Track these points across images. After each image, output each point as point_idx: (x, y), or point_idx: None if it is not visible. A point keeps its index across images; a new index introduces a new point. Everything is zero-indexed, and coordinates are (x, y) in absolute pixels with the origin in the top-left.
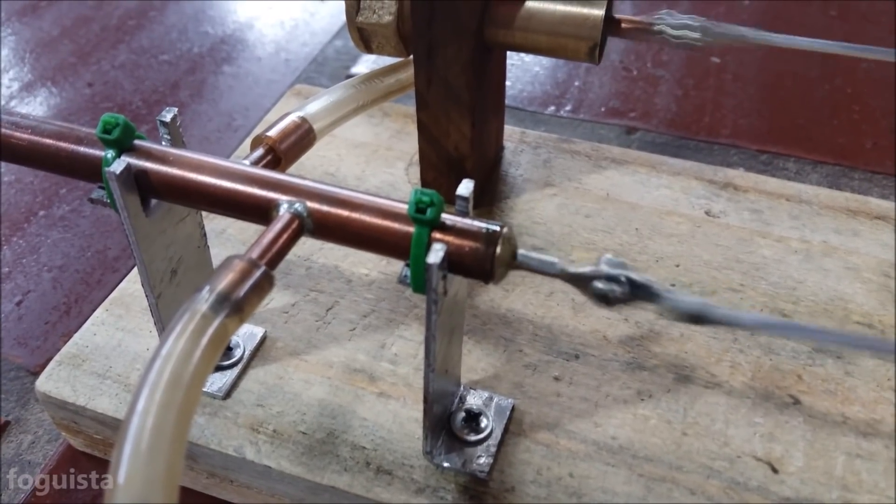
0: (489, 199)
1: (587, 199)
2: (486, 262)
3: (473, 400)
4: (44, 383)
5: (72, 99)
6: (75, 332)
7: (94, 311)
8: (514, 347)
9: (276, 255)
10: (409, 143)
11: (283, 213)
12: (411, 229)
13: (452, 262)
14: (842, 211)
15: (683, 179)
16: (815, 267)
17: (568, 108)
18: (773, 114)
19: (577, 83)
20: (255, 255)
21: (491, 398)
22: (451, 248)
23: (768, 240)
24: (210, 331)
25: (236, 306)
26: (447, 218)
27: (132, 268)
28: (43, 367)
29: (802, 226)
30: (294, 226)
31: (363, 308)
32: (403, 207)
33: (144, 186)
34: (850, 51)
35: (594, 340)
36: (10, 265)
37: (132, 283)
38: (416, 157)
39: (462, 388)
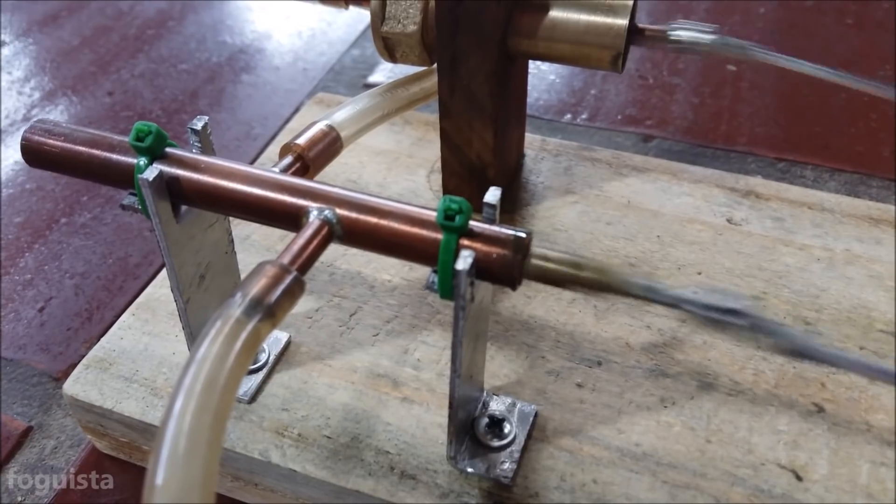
0: (510, 206)
1: (608, 206)
2: (513, 268)
3: (497, 406)
4: (71, 386)
5: (92, 108)
6: (97, 338)
7: (116, 317)
8: (536, 354)
9: (306, 260)
10: (430, 151)
11: (314, 219)
12: (440, 236)
13: (480, 269)
14: (864, 219)
15: (705, 187)
16: (837, 275)
17: (584, 116)
18: (789, 122)
19: (593, 91)
20: (286, 260)
21: (514, 404)
22: (479, 254)
23: (791, 248)
24: (243, 335)
25: (269, 311)
26: (475, 225)
27: (154, 274)
28: (66, 373)
29: (825, 234)
30: (324, 232)
31: (386, 314)
32: (432, 214)
33: (176, 193)
34: (849, 81)
35: (617, 347)
36: (32, 272)
37: (158, 288)
38: (438, 165)
39: (485, 393)
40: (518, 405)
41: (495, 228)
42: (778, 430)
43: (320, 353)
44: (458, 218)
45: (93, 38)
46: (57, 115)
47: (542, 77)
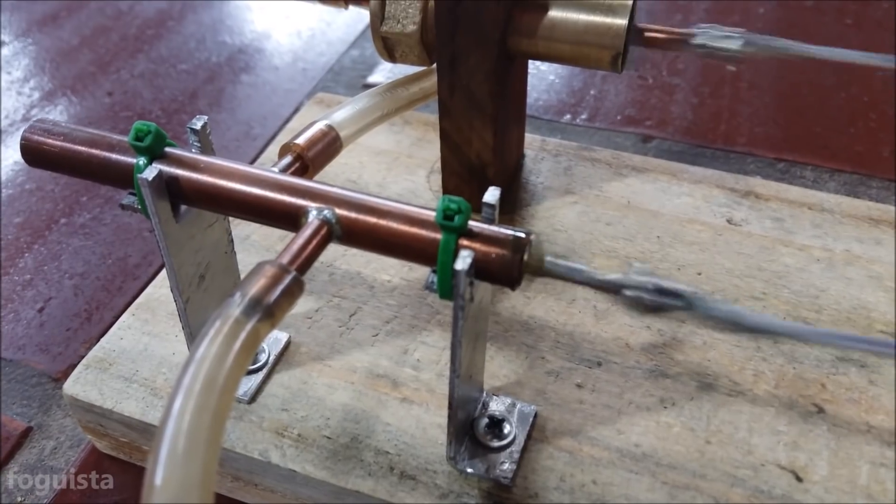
0: (510, 206)
1: (608, 206)
2: (512, 268)
3: (496, 406)
4: (71, 386)
5: (91, 108)
6: (97, 339)
7: (115, 318)
8: (536, 354)
9: (305, 260)
10: (430, 151)
11: (313, 219)
12: (439, 236)
13: (479, 269)
14: (864, 219)
15: (704, 187)
16: (837, 275)
17: (584, 116)
18: (789, 122)
19: (592, 92)
20: (285, 260)
21: (514, 404)
22: (479, 254)
23: (790, 248)
24: (242, 335)
25: (268, 311)
26: (474, 225)
27: (154, 274)
28: (65, 373)
29: (825, 234)
30: (323, 232)
31: (386, 314)
32: (431, 214)
33: (175, 193)
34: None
35: (616, 348)
36: (31, 272)
37: (158, 289)
38: (437, 165)
39: (485, 394)
40: (518, 405)
41: (494, 228)
42: (778, 431)
43: (320, 354)
44: (457, 218)
45: (92, 38)
46: (56, 115)
47: (542, 77)
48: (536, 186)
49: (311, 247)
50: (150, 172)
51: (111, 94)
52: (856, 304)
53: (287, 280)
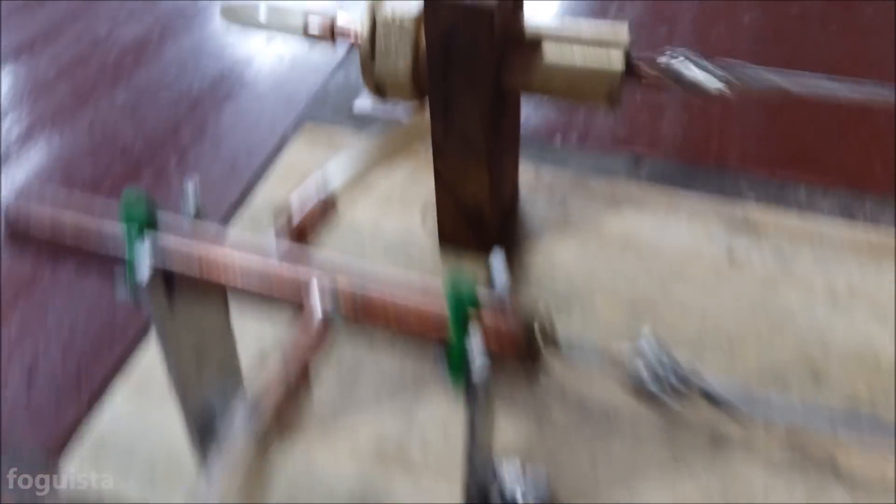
0: (507, 243)
1: (606, 242)
2: (526, 352)
3: (508, 472)
4: (66, 471)
5: (72, 143)
6: (86, 408)
7: (105, 384)
8: (544, 411)
9: (308, 359)
10: (424, 185)
11: (315, 307)
12: (447, 321)
13: (492, 353)
14: (863, 246)
15: (703, 219)
16: (840, 311)
17: (574, 138)
18: (780, 135)
19: (582, 112)
20: (289, 365)
21: (525, 469)
22: (489, 335)
23: (793, 282)
24: (251, 458)
25: (277, 426)
26: (484, 304)
27: (142, 335)
28: (59, 448)
29: (825, 263)
30: (325, 325)
31: (387, 369)
32: (440, 296)
33: (171, 279)
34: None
35: (625, 400)
36: (16, 334)
37: (150, 359)
38: (432, 201)
39: (495, 459)
40: (529, 470)
41: (505, 307)
42: (793, 489)
43: (322, 421)
44: (466, 305)
45: (70, 68)
46: (36, 152)
47: (530, 98)
48: (533, 221)
49: (313, 344)
50: (145, 271)
51: (92, 125)
52: (862, 339)
53: (293, 391)
